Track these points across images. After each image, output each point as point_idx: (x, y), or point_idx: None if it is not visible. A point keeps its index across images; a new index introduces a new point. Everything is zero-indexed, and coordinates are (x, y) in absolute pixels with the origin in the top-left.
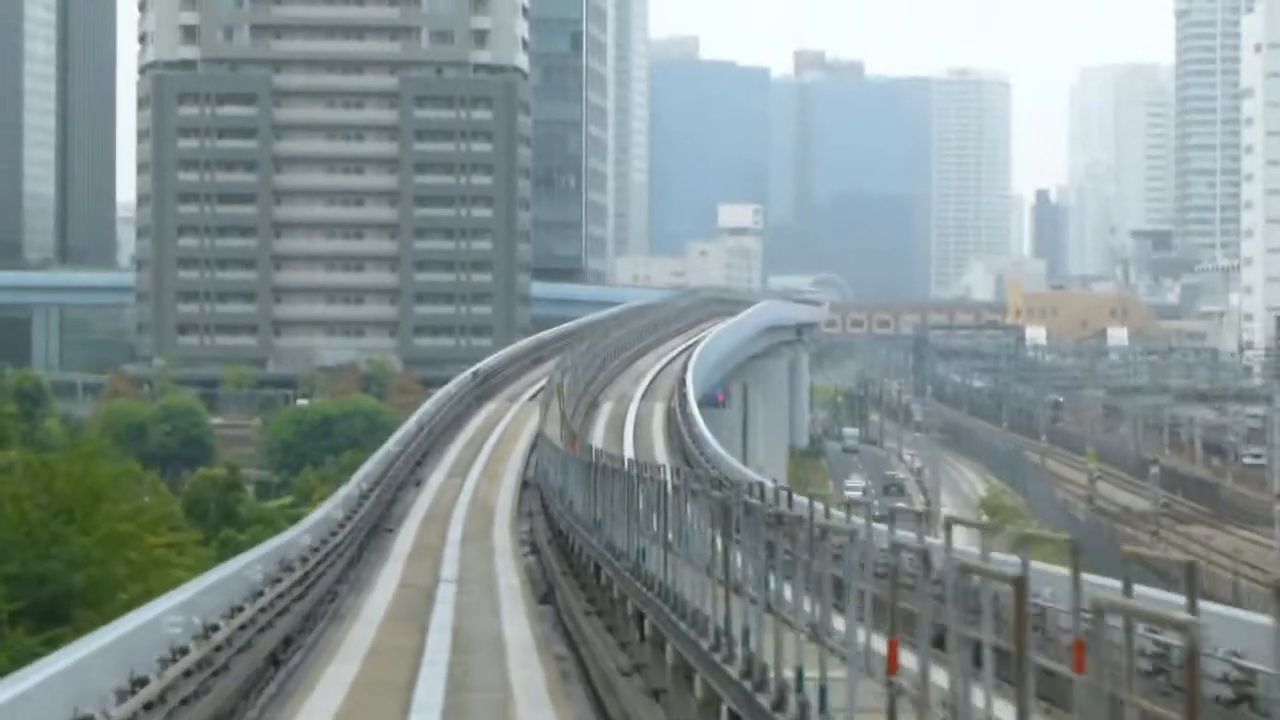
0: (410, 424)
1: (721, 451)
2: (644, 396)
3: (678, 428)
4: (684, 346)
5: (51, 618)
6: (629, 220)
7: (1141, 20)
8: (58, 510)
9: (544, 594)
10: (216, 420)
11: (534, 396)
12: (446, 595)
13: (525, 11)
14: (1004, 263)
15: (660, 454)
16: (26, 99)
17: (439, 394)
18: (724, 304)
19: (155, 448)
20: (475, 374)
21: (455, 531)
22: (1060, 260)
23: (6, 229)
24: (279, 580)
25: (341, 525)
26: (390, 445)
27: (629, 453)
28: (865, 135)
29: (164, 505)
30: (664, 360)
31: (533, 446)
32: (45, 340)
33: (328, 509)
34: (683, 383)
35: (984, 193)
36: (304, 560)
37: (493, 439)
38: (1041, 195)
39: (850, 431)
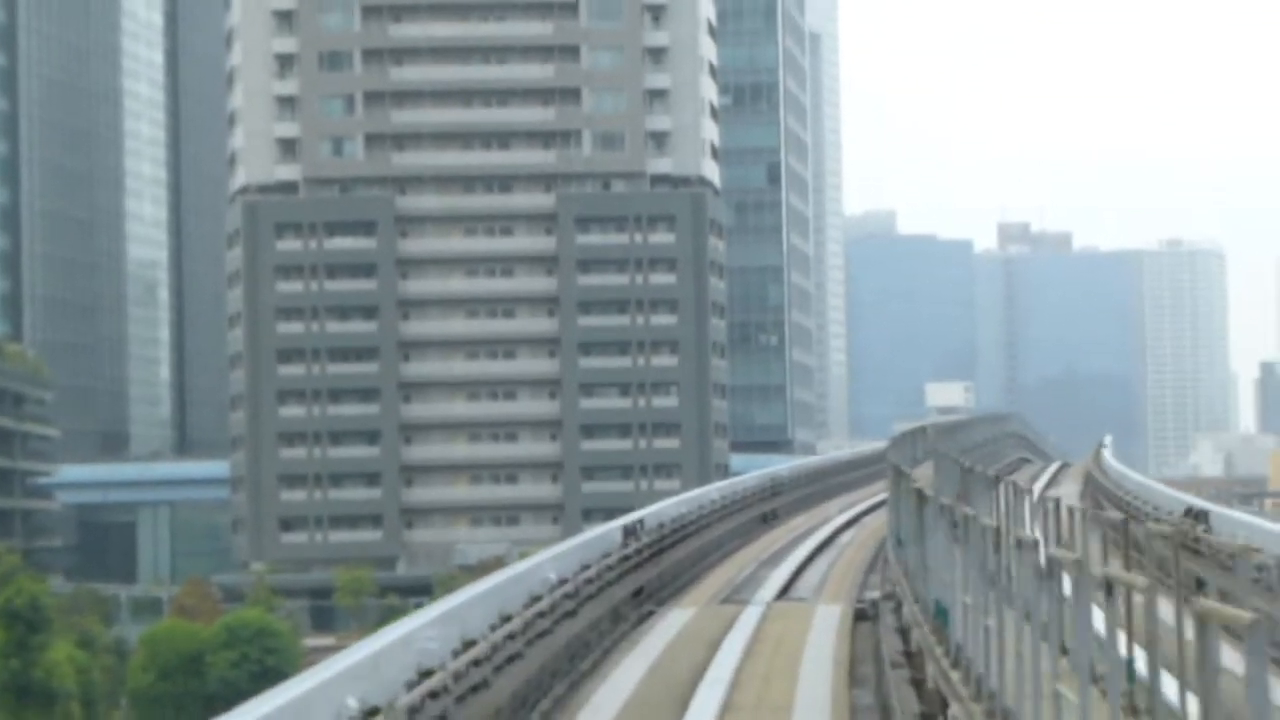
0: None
1: None
2: None
3: None
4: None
5: None
6: (828, 402)
7: None
8: None
9: None
10: (320, 641)
11: (787, 590)
12: None
13: (714, 112)
14: (1231, 439)
15: None
16: (131, 266)
17: (496, 583)
18: (1026, 442)
19: (217, 684)
20: (631, 532)
21: None
22: None
23: (111, 419)
24: None
25: None
26: None
27: None
28: (1075, 310)
29: None
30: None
31: None
32: (153, 547)
33: None
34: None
35: (1201, 368)
36: None
37: None
38: (1267, 368)
39: None
